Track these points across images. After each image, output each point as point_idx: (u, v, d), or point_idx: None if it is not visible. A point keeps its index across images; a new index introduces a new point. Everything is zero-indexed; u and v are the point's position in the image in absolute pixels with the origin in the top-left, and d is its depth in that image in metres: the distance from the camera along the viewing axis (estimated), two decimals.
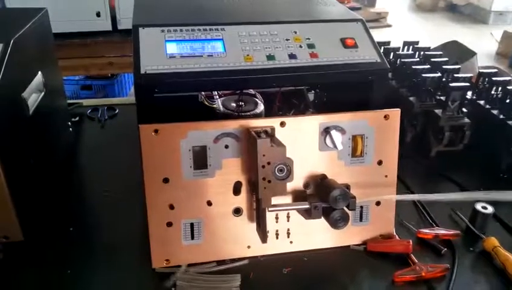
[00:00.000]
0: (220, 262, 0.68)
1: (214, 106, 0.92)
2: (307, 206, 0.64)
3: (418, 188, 0.86)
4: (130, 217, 0.75)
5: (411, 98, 0.99)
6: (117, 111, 1.11)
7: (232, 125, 0.64)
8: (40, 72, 0.76)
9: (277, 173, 0.59)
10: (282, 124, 0.66)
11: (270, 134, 0.63)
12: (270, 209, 0.62)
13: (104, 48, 1.88)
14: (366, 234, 0.73)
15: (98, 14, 1.81)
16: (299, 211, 0.66)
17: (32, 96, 0.73)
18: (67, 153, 0.93)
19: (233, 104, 0.92)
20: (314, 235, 0.70)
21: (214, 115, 0.90)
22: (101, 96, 2.51)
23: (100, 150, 0.96)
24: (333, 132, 0.66)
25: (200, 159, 0.64)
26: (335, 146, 0.67)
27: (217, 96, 0.93)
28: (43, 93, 0.77)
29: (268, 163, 0.58)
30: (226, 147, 0.64)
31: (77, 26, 1.80)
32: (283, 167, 0.59)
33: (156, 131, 0.62)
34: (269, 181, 0.59)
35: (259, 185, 0.59)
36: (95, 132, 1.04)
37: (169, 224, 0.66)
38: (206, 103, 0.92)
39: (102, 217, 0.79)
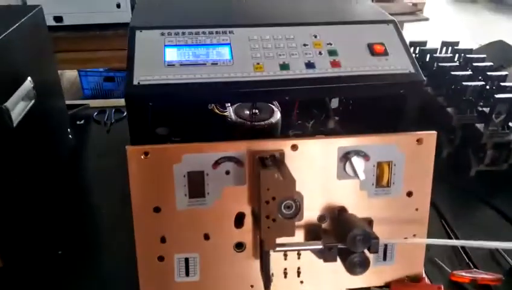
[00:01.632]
0: None
1: (226, 113, 0.84)
2: (320, 246, 0.54)
3: (453, 215, 0.75)
4: (128, 241, 0.67)
5: (449, 109, 0.87)
6: (125, 114, 1.04)
7: (235, 147, 0.55)
8: (29, 78, 0.69)
9: (284, 211, 0.50)
10: (294, 147, 0.56)
11: (277, 160, 0.54)
12: (276, 249, 0.53)
13: (124, 41, 1.82)
14: (390, 275, 0.62)
15: (118, 6, 1.75)
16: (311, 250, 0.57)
17: (19, 106, 0.66)
18: (65, 162, 0.86)
19: (247, 112, 0.83)
20: (328, 275, 0.61)
21: (225, 124, 0.81)
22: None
23: (102, 159, 0.89)
24: (354, 159, 0.56)
25: (197, 187, 0.55)
26: (356, 175, 0.57)
27: (229, 104, 0.84)
28: (33, 101, 0.70)
29: (274, 198, 0.49)
30: (227, 173, 0.55)
31: (97, 18, 1.75)
32: (291, 203, 0.50)
33: (146, 154, 0.54)
34: (274, 220, 0.50)
35: (262, 224, 0.50)
36: (99, 137, 0.97)
37: (160, 258, 0.57)
38: (217, 111, 0.83)
39: (96, 240, 0.72)
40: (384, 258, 0.62)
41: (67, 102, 0.98)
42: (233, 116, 0.83)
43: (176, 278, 0.58)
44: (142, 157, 0.54)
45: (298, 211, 0.50)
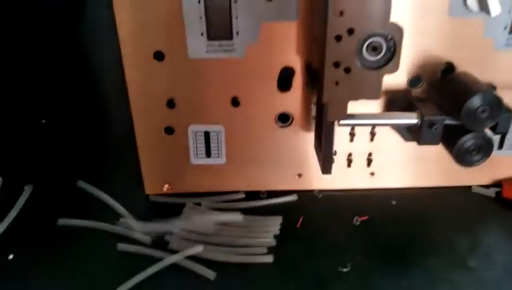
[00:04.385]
0: (253, 195, 0.42)
1: None
2: (415, 121, 0.34)
3: None
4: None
5: None
6: None
7: None
8: None
9: (367, 54, 0.29)
10: None
11: None
12: (342, 123, 0.33)
13: None
14: (502, 170, 0.43)
15: None
16: (396, 127, 0.37)
17: None
18: (55, 13, 0.67)
19: None
20: (413, 166, 0.42)
21: None
22: None
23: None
24: None
25: (219, 21, 0.35)
26: (484, 8, 0.34)
27: None
28: None
29: (351, 31, 0.28)
30: None
31: None
32: (380, 42, 0.29)
33: None
34: (347, 70, 0.29)
35: (326, 76, 0.29)
36: None
37: (168, 130, 0.40)
38: None
39: (89, 108, 0.55)
40: (500, 146, 0.41)
41: None
42: None
43: (191, 160, 0.41)
44: None
45: (392, 56, 0.29)
